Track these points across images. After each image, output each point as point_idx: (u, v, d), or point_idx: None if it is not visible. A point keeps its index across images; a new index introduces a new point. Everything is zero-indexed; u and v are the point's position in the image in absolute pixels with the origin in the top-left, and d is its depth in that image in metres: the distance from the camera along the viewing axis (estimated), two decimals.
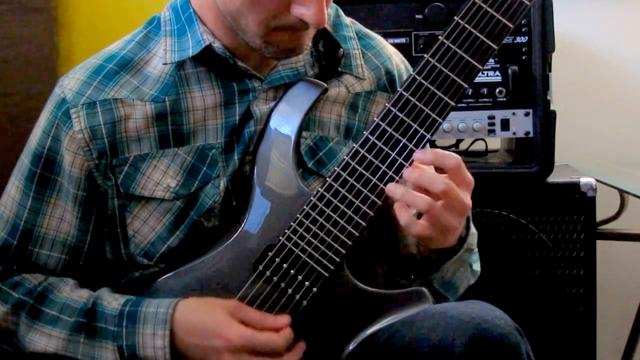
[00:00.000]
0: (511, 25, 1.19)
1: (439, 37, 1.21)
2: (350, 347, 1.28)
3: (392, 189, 1.22)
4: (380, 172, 1.22)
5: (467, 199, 1.22)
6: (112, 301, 1.28)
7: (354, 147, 1.23)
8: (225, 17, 1.26)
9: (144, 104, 1.29)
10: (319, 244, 1.24)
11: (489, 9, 1.19)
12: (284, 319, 1.25)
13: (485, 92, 1.95)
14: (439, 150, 1.23)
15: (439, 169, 1.22)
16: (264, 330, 1.24)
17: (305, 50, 1.29)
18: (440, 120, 1.21)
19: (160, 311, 1.25)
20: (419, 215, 1.22)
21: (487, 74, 1.95)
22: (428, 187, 1.19)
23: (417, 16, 1.96)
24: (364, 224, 1.24)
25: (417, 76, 1.21)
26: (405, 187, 1.21)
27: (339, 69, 1.37)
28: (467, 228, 1.32)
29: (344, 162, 1.23)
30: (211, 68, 1.31)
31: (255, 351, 1.22)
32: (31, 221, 1.32)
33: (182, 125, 1.30)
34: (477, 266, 1.40)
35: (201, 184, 1.30)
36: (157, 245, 1.31)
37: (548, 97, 1.94)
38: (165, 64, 1.30)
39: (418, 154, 1.21)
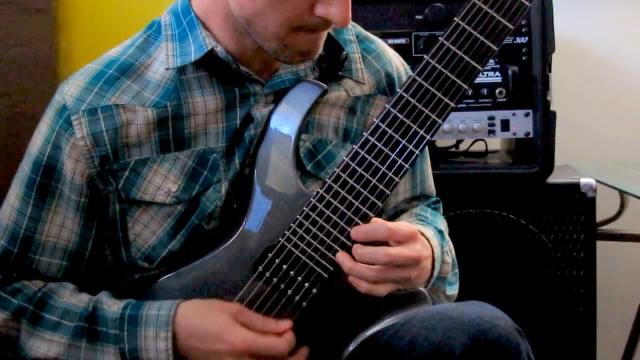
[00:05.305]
0: (511, 26, 1.19)
1: (439, 38, 1.21)
2: (351, 348, 1.28)
3: (340, 260, 1.22)
4: (380, 173, 1.22)
5: (414, 251, 1.22)
6: (112, 305, 1.27)
7: (353, 148, 1.23)
8: (237, 20, 1.24)
9: (146, 110, 1.28)
10: (318, 245, 1.24)
11: (489, 10, 1.19)
12: (286, 323, 1.25)
13: (485, 93, 1.95)
14: (369, 225, 1.22)
15: None
16: (267, 334, 1.24)
17: (318, 55, 1.28)
18: (440, 121, 1.21)
19: (162, 313, 1.24)
20: None
21: (487, 74, 1.95)
22: (373, 263, 1.20)
23: (417, 16, 1.95)
24: None
25: (417, 77, 1.21)
26: (353, 260, 1.21)
27: (339, 72, 1.36)
28: (435, 263, 1.31)
29: (343, 164, 1.23)
30: (213, 73, 1.30)
31: (258, 355, 1.22)
32: (31, 229, 1.31)
33: (183, 130, 1.30)
34: (451, 290, 1.40)
35: (202, 188, 1.30)
36: (158, 249, 1.30)
37: (548, 98, 1.93)
38: (167, 69, 1.29)
39: (352, 234, 1.22)
